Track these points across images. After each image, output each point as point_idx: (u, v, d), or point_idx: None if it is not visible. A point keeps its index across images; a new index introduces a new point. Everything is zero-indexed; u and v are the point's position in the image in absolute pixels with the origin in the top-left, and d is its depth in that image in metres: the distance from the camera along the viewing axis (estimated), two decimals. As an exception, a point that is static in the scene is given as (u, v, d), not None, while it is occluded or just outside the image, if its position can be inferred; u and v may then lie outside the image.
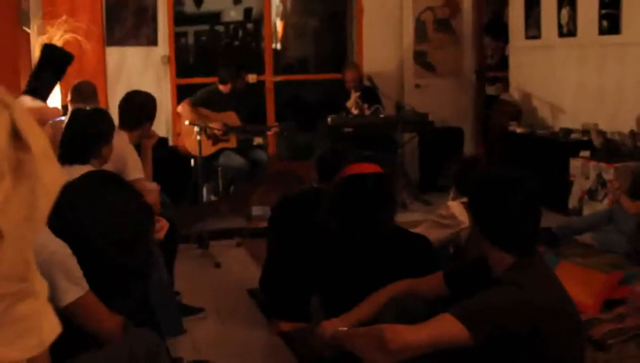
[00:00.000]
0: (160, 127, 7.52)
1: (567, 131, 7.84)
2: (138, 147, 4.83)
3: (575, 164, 7.17)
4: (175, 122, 8.35)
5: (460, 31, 9.66)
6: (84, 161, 3.71)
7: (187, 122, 6.77)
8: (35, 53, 6.58)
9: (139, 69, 8.48)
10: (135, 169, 4.51)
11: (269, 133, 7.86)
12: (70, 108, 5.63)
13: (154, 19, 8.55)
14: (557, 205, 7.05)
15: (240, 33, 14.59)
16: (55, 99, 6.70)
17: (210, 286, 5.59)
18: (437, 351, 2.60)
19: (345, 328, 3.01)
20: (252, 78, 8.59)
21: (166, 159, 6.73)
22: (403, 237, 3.71)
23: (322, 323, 3.15)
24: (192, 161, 7.25)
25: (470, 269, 3.02)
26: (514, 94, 9.08)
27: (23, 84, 3.98)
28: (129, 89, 5.32)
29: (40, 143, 1.04)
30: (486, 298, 2.61)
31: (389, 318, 2.92)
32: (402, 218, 5.72)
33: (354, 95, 8.33)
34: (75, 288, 2.61)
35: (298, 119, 8.68)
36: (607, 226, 5.99)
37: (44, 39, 6.64)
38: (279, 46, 12.70)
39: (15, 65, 5.69)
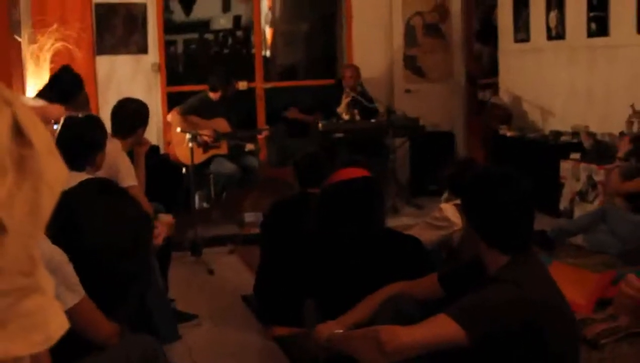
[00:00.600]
0: (152, 135, 7.50)
1: (557, 133, 7.87)
2: (130, 155, 4.84)
3: (565, 166, 7.21)
4: (166, 131, 8.34)
5: (449, 36, 9.70)
6: (79, 168, 3.71)
7: (178, 130, 6.77)
8: (27, 61, 6.61)
9: (129, 77, 8.48)
10: (128, 176, 4.52)
11: (259, 137, 7.85)
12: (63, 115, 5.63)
13: (144, 27, 8.55)
14: (548, 207, 7.07)
15: (230, 41, 14.61)
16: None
17: (204, 293, 5.60)
18: (434, 351, 2.61)
19: (341, 331, 3.02)
20: (242, 85, 8.60)
21: (158, 167, 6.72)
22: (394, 239, 3.73)
23: (317, 327, 3.16)
24: (184, 169, 7.24)
25: (465, 270, 3.04)
26: (504, 97, 9.12)
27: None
28: (119, 97, 5.33)
29: (43, 139, 1.05)
30: (481, 297, 2.63)
31: (385, 320, 2.93)
32: (393, 222, 5.78)
33: (345, 101, 8.35)
34: (71, 295, 2.61)
35: (289, 124, 8.69)
36: (599, 227, 6.02)
37: (34, 48, 6.67)
38: (268, 53, 12.72)
39: (6, 73, 5.69)
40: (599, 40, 7.48)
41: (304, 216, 4.41)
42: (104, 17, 8.39)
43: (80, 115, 4.27)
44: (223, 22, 14.43)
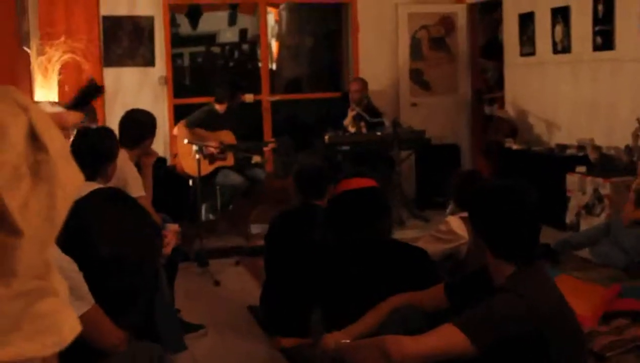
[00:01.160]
0: (158, 146, 7.52)
1: (563, 147, 7.88)
2: (137, 166, 4.86)
3: (571, 179, 7.21)
4: (172, 142, 8.37)
5: (455, 49, 9.74)
6: (90, 179, 3.73)
7: (185, 141, 6.80)
8: (35, 73, 6.64)
9: (136, 89, 8.53)
10: (136, 186, 4.54)
11: (265, 149, 7.88)
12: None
13: (151, 40, 8.60)
14: (555, 221, 7.07)
15: (236, 54, 14.67)
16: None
17: (210, 303, 5.60)
18: (440, 361, 2.62)
19: (348, 341, 3.03)
20: (249, 98, 8.63)
21: (164, 178, 6.76)
22: (401, 249, 3.73)
23: (324, 336, 3.17)
24: (190, 181, 7.26)
25: (471, 281, 3.04)
26: (510, 110, 9.13)
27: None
28: (126, 109, 5.34)
29: (58, 145, 1.07)
30: (487, 307, 2.63)
31: (391, 331, 2.94)
32: (399, 235, 5.79)
33: (351, 114, 8.38)
34: (80, 303, 2.62)
35: (295, 137, 8.72)
36: (605, 240, 6.01)
37: (43, 60, 6.70)
38: (274, 66, 12.77)
39: (15, 84, 5.72)
40: (604, 54, 7.50)
41: (308, 227, 4.42)
42: (112, 30, 8.44)
43: (93, 126, 4.30)
44: (229, 35, 14.49)
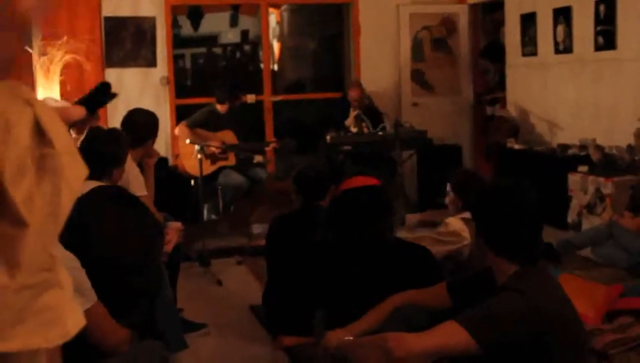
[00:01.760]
0: (160, 147, 7.53)
1: (565, 147, 7.88)
2: (139, 166, 4.86)
3: (573, 179, 7.21)
4: (174, 143, 8.38)
5: (457, 50, 9.75)
6: (95, 180, 3.73)
7: (187, 141, 6.80)
8: (37, 73, 6.65)
9: (138, 89, 8.54)
10: (139, 186, 4.54)
11: (267, 149, 7.88)
12: (70, 127, 5.66)
13: (153, 41, 8.61)
14: (556, 221, 7.07)
15: (238, 55, 14.69)
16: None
17: (213, 303, 5.61)
18: (442, 358, 2.62)
19: (350, 338, 3.03)
20: (250, 98, 8.63)
21: (166, 178, 6.76)
22: (403, 248, 3.73)
23: (327, 334, 3.17)
24: (192, 181, 7.27)
25: (474, 280, 3.05)
26: (511, 110, 9.13)
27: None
28: (128, 110, 5.34)
29: (63, 139, 1.07)
30: (490, 306, 2.63)
31: (393, 329, 2.94)
32: (400, 235, 5.76)
33: (353, 114, 8.38)
34: (82, 300, 2.63)
35: (297, 138, 8.73)
36: (607, 241, 6.02)
37: (45, 60, 6.71)
38: (276, 67, 12.78)
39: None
40: (606, 54, 7.50)
41: (309, 227, 4.42)
42: (114, 31, 8.45)
43: (105, 128, 4.29)
44: (231, 36, 14.51)
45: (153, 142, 5.08)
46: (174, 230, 4.28)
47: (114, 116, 7.91)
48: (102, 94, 2.58)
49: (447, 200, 4.57)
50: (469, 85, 9.84)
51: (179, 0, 8.98)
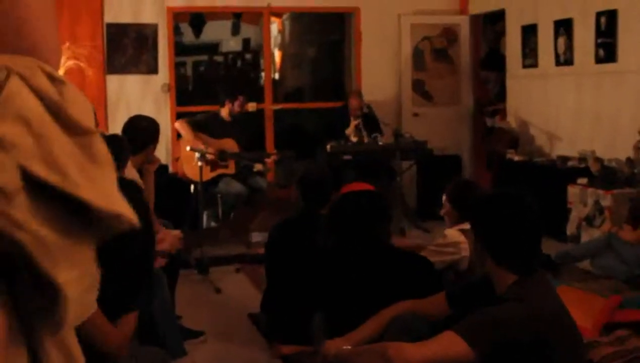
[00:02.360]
0: (161, 153, 7.55)
1: (565, 158, 7.89)
2: (139, 172, 4.87)
3: (572, 191, 7.22)
4: (174, 150, 8.39)
5: (457, 61, 9.77)
6: None
7: (188, 148, 6.81)
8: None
9: (139, 96, 8.56)
10: (138, 192, 4.54)
11: (267, 160, 7.87)
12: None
13: (155, 47, 8.63)
14: (556, 232, 7.07)
15: (239, 63, 14.71)
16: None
17: (211, 311, 5.60)
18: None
19: (349, 347, 3.03)
20: (252, 106, 8.63)
21: (166, 185, 6.76)
22: (404, 257, 3.74)
23: (326, 343, 3.17)
24: (192, 187, 7.27)
25: (473, 289, 3.05)
26: (512, 122, 9.15)
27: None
28: (129, 116, 5.35)
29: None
30: (488, 315, 2.64)
31: (393, 338, 2.95)
32: (400, 245, 5.76)
33: (353, 123, 8.39)
34: None
35: (297, 146, 8.73)
36: (606, 253, 6.02)
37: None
38: (277, 76, 12.80)
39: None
40: (606, 66, 7.52)
41: (309, 234, 4.43)
42: (115, 37, 8.47)
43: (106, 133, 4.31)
44: (232, 44, 14.54)
45: (154, 149, 5.08)
46: (172, 237, 4.29)
47: (114, 122, 7.94)
48: None
49: (442, 211, 4.56)
50: (470, 96, 9.86)
51: (180, 8, 9.00)
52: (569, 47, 8.06)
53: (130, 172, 4.58)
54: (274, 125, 9.31)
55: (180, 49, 11.55)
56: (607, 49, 7.49)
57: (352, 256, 3.60)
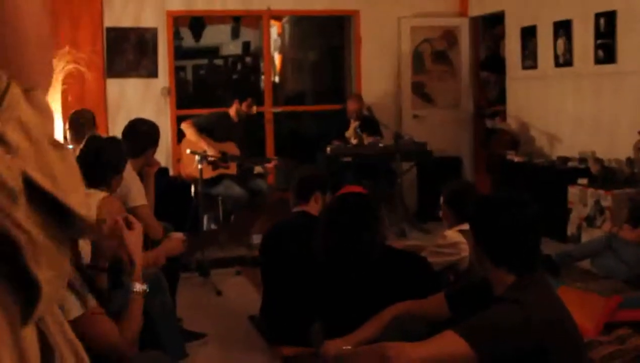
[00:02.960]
0: (161, 157, 7.55)
1: (565, 159, 7.90)
2: (140, 175, 4.87)
3: (573, 192, 7.23)
4: (175, 153, 8.40)
5: (457, 63, 9.77)
6: (93, 187, 3.74)
7: (188, 151, 6.82)
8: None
9: (139, 100, 8.57)
10: (139, 195, 4.56)
11: (267, 165, 7.87)
12: (68, 136, 5.67)
13: (155, 51, 8.64)
14: (556, 233, 7.09)
15: (239, 66, 14.71)
16: (58, 128, 6.76)
17: (212, 313, 5.61)
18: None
19: (349, 348, 3.04)
20: (254, 109, 8.62)
21: (167, 188, 6.76)
22: (402, 258, 3.75)
23: (326, 343, 3.18)
24: (192, 189, 7.27)
25: (472, 290, 3.05)
26: (512, 123, 9.15)
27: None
28: (129, 120, 5.36)
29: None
30: (488, 316, 2.64)
31: (392, 339, 2.94)
32: (400, 246, 5.77)
33: (353, 125, 8.40)
34: (80, 304, 2.63)
35: (297, 149, 8.75)
36: (606, 253, 6.02)
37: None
38: (277, 79, 12.80)
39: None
40: (606, 68, 7.53)
41: (304, 236, 4.43)
42: (115, 41, 8.48)
43: (104, 136, 4.31)
44: (232, 48, 14.54)
45: (154, 152, 5.10)
46: (176, 240, 4.30)
47: (115, 126, 7.95)
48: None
49: (441, 213, 4.58)
50: (469, 98, 9.87)
51: (180, 12, 9.02)
52: (569, 48, 8.07)
53: (130, 175, 4.59)
54: (274, 129, 9.31)
55: (180, 53, 11.56)
56: (606, 50, 7.50)
57: (348, 257, 3.60)
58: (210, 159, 7.06)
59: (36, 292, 0.96)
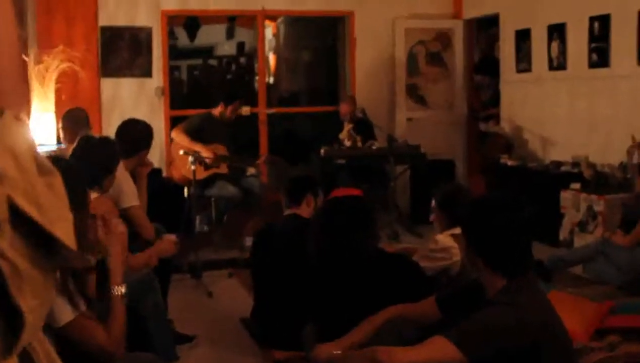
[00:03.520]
0: (154, 157, 7.53)
1: (558, 163, 7.91)
2: (132, 176, 4.86)
3: (566, 196, 7.23)
4: (168, 153, 8.38)
5: (452, 65, 9.78)
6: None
7: (181, 152, 6.80)
8: (32, 81, 6.65)
9: (133, 99, 8.56)
10: (131, 196, 4.55)
11: (258, 162, 7.85)
12: (62, 135, 5.65)
13: (149, 51, 8.63)
14: (549, 237, 7.09)
15: (233, 67, 14.71)
16: (51, 129, 6.75)
17: (203, 315, 5.60)
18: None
19: (340, 352, 3.03)
20: (246, 110, 8.61)
21: (160, 189, 6.75)
22: (393, 261, 3.75)
23: (317, 347, 3.18)
24: (185, 190, 7.26)
25: (463, 293, 3.05)
26: (505, 126, 9.16)
27: (22, 108, 3.97)
28: (123, 119, 5.35)
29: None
30: (478, 320, 2.64)
31: (383, 342, 2.94)
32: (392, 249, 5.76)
33: (347, 127, 8.40)
34: (71, 309, 2.62)
35: (291, 150, 8.74)
36: (598, 258, 6.02)
37: (40, 68, 6.71)
38: (271, 80, 12.80)
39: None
40: (599, 71, 7.54)
41: (295, 239, 4.42)
42: (110, 41, 8.47)
43: (97, 136, 4.30)
44: (227, 48, 14.54)
45: (147, 153, 5.08)
46: (168, 242, 4.29)
47: (109, 126, 7.93)
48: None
49: (432, 217, 4.55)
50: (463, 101, 9.88)
51: (175, 11, 9.00)
52: (563, 51, 8.08)
53: (123, 176, 4.58)
54: (268, 130, 9.30)
55: (174, 52, 11.56)
56: (600, 53, 7.51)
57: (341, 261, 3.60)
58: (205, 159, 7.05)
59: (20, 321, 0.94)
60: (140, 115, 6.79)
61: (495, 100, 9.63)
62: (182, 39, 12.99)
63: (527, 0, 8.69)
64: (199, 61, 14.46)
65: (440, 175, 8.65)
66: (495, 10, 9.30)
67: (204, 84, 14.29)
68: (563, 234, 7.21)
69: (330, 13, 9.62)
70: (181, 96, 12.78)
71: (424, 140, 8.58)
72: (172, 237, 4.45)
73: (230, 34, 13.99)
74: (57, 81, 6.98)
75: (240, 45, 14.22)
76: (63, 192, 1.05)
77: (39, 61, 6.85)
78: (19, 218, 0.94)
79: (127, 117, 5.52)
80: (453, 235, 4.26)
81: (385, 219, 7.78)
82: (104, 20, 8.42)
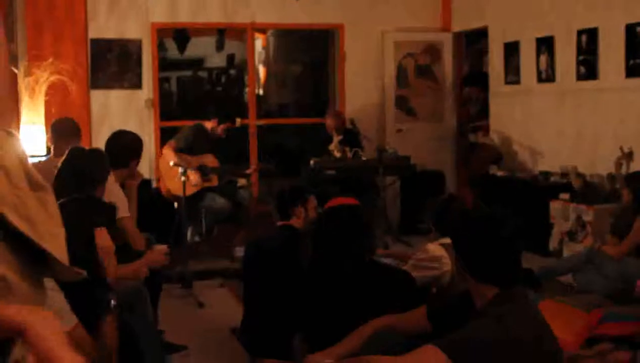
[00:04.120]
0: (144, 168, 7.54)
1: (547, 174, 7.95)
2: (122, 187, 4.86)
3: (555, 206, 7.27)
4: (157, 165, 8.38)
5: (441, 77, 9.82)
6: None
7: (171, 163, 6.80)
8: (22, 93, 6.65)
9: (122, 111, 8.56)
10: (121, 207, 4.54)
11: (248, 171, 7.85)
12: (51, 146, 5.64)
13: (139, 63, 8.64)
14: (538, 247, 7.12)
15: (223, 79, 14.72)
16: (40, 141, 6.74)
17: (194, 325, 5.60)
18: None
19: (330, 361, 3.04)
20: (238, 122, 8.61)
21: (150, 201, 6.75)
22: (384, 272, 3.76)
23: (307, 357, 3.18)
24: (175, 203, 7.26)
25: (453, 305, 3.06)
26: (494, 137, 9.20)
27: (8, 124, 3.97)
28: (112, 131, 5.35)
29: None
30: (468, 330, 2.65)
31: (372, 352, 2.94)
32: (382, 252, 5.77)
33: (336, 139, 8.42)
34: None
35: (281, 162, 8.75)
36: (587, 267, 6.04)
37: (30, 80, 6.71)
38: (261, 92, 12.82)
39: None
40: (588, 84, 7.59)
41: (286, 250, 4.43)
42: (99, 53, 8.48)
43: (86, 148, 4.30)
44: (217, 60, 14.54)
45: (137, 164, 5.08)
46: (158, 253, 4.29)
47: (98, 137, 7.93)
48: None
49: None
50: (453, 112, 9.92)
51: (164, 24, 9.02)
52: (551, 64, 8.13)
53: (113, 187, 4.58)
54: (258, 141, 9.31)
55: (164, 64, 11.56)
56: (588, 66, 7.57)
57: (333, 271, 3.61)
58: (191, 172, 7.04)
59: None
60: (130, 126, 6.79)
61: (484, 112, 9.68)
62: (172, 51, 12.99)
63: (516, 14, 8.74)
64: (188, 73, 14.47)
65: (429, 186, 8.69)
66: (483, 23, 9.35)
67: (194, 95, 14.29)
68: (552, 244, 7.24)
69: (319, 26, 9.65)
70: (171, 108, 12.77)
71: (413, 152, 8.61)
72: (163, 248, 4.45)
73: (220, 46, 14.00)
74: (47, 93, 6.98)
75: (230, 57, 14.24)
76: (55, 207, 1.06)
77: (28, 74, 6.84)
78: (9, 233, 0.95)
79: (116, 129, 5.52)
80: (443, 245, 4.27)
81: (375, 230, 7.79)
82: (93, 33, 8.44)
